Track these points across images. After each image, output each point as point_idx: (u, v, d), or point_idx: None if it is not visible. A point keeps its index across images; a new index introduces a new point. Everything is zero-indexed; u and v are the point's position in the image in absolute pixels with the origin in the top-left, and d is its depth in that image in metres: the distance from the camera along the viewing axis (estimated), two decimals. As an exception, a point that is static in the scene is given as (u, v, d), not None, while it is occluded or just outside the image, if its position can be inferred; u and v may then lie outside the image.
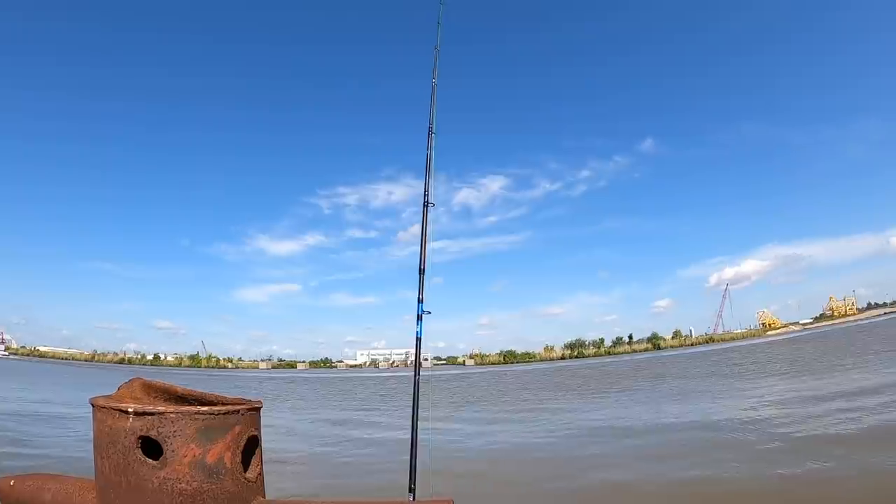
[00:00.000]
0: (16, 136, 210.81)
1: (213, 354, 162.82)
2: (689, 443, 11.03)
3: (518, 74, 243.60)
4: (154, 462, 1.40)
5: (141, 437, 1.39)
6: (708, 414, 14.62)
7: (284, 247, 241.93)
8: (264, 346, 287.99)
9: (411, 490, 3.99)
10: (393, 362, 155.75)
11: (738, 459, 9.20)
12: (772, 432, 11.08)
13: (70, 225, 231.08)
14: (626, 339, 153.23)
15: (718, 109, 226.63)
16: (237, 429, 1.47)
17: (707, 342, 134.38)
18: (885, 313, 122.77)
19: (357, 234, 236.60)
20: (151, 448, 1.40)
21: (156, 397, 1.55)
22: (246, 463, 1.52)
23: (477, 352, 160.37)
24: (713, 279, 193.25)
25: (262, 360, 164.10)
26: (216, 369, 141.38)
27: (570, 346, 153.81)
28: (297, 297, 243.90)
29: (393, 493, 6.63)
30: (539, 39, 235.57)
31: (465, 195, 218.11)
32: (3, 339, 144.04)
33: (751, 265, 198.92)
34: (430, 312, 4.66)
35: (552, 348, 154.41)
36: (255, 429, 1.55)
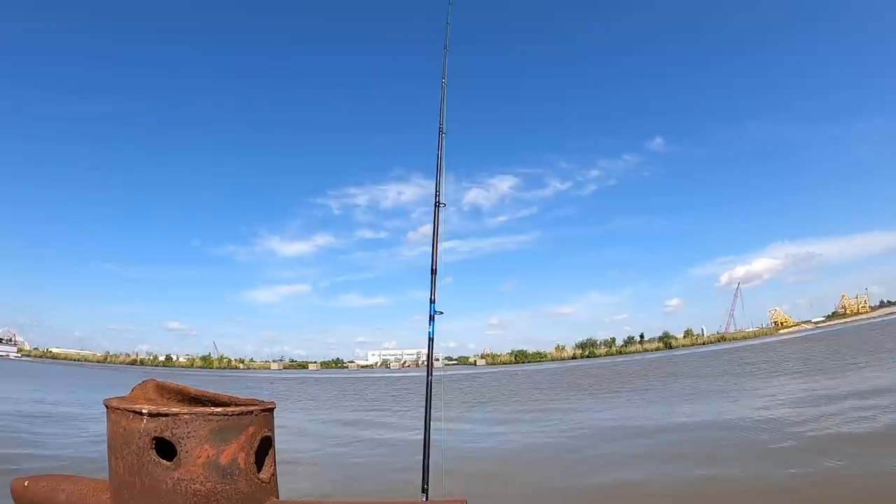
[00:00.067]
0: (24, 137, 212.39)
1: (225, 355, 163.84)
2: (700, 442, 10.96)
3: (527, 74, 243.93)
4: (168, 463, 1.40)
5: (155, 438, 1.40)
6: (720, 413, 14.54)
7: (295, 248, 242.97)
8: (276, 346, 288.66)
9: (424, 490, 3.98)
10: (404, 362, 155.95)
11: (749, 459, 9.14)
12: (784, 432, 10.99)
13: (81, 227, 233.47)
14: (638, 339, 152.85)
15: (727, 108, 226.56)
16: (251, 429, 1.48)
17: (719, 341, 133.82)
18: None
19: (367, 234, 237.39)
20: (165, 449, 1.41)
21: (169, 398, 1.56)
22: (259, 463, 1.53)
23: (488, 352, 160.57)
24: (724, 278, 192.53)
25: (273, 361, 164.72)
26: (228, 370, 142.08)
27: (581, 345, 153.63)
28: (307, 298, 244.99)
29: (406, 494, 6.63)
30: (547, 39, 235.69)
31: (475, 195, 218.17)
32: (14, 340, 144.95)
33: (762, 263, 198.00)
34: (442, 313, 4.64)
35: (563, 348, 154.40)
36: (269, 429, 1.56)
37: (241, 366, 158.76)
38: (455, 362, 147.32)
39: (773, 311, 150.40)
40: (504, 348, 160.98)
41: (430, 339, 4.60)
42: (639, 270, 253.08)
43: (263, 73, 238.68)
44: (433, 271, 4.73)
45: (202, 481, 1.40)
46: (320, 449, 12.88)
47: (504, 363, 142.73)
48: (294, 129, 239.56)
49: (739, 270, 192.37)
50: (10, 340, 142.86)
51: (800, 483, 7.69)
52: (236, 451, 1.44)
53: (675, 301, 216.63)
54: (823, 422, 11.60)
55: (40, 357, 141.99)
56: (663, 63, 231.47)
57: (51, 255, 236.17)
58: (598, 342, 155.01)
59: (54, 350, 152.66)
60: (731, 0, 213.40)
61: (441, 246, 4.90)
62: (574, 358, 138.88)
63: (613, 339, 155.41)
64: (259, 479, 1.51)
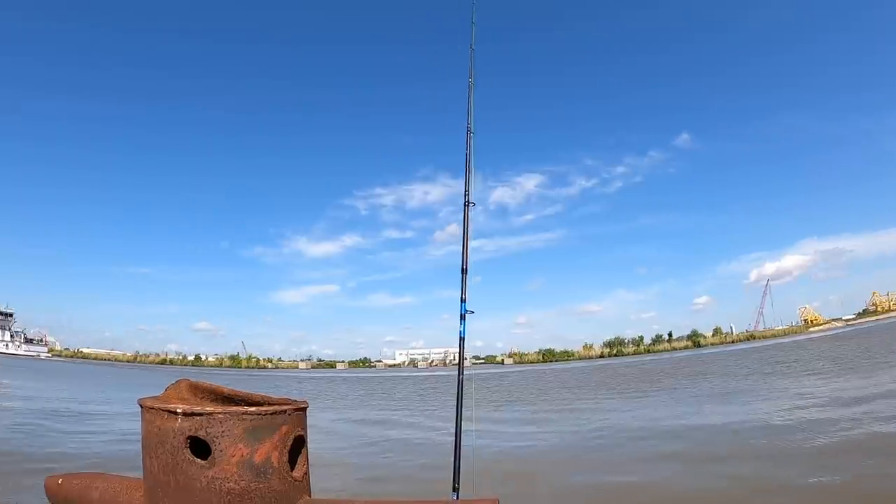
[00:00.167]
0: (63, 141, 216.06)
1: (254, 355, 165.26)
2: (728, 443, 10.83)
3: (551, 72, 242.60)
4: (202, 462, 1.41)
5: (189, 438, 1.41)
6: (749, 413, 14.33)
7: (322, 248, 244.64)
8: (304, 346, 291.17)
9: (455, 489, 3.96)
10: (432, 361, 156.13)
11: (778, 460, 8.99)
12: (814, 432, 10.79)
13: (114, 228, 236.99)
14: (666, 337, 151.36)
15: (754, 103, 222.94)
16: (284, 429, 1.48)
17: (748, 339, 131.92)
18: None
19: (394, 234, 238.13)
20: (199, 448, 1.42)
21: (202, 398, 1.56)
22: (292, 462, 1.53)
23: (515, 350, 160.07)
24: (753, 275, 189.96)
25: (301, 361, 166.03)
26: (256, 369, 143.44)
27: (609, 344, 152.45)
28: (335, 298, 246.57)
29: (434, 493, 6.62)
30: (571, 36, 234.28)
31: (501, 194, 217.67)
32: (45, 341, 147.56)
33: (791, 260, 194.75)
34: (473, 312, 4.61)
35: (591, 346, 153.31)
36: (302, 428, 1.56)
37: (269, 365, 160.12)
38: (482, 361, 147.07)
39: (802, 309, 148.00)
40: (531, 347, 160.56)
41: (461, 339, 4.58)
42: (666, 268, 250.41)
43: (289, 75, 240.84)
44: (463, 270, 4.71)
45: (236, 480, 1.41)
46: (349, 448, 12.95)
47: (531, 362, 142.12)
48: (320, 131, 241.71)
49: (769, 267, 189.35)
50: (41, 341, 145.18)
51: (828, 484, 7.56)
52: (270, 450, 1.44)
53: (703, 299, 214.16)
54: (854, 423, 11.36)
55: (71, 357, 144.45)
56: (690, 59, 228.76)
57: (82, 258, 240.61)
58: (625, 341, 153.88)
59: (85, 350, 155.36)
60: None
61: (470, 245, 4.89)
62: (602, 356, 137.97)
63: (641, 338, 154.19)
64: (292, 477, 1.51)
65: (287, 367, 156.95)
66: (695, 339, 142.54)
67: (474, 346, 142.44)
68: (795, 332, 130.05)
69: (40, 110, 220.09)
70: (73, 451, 11.52)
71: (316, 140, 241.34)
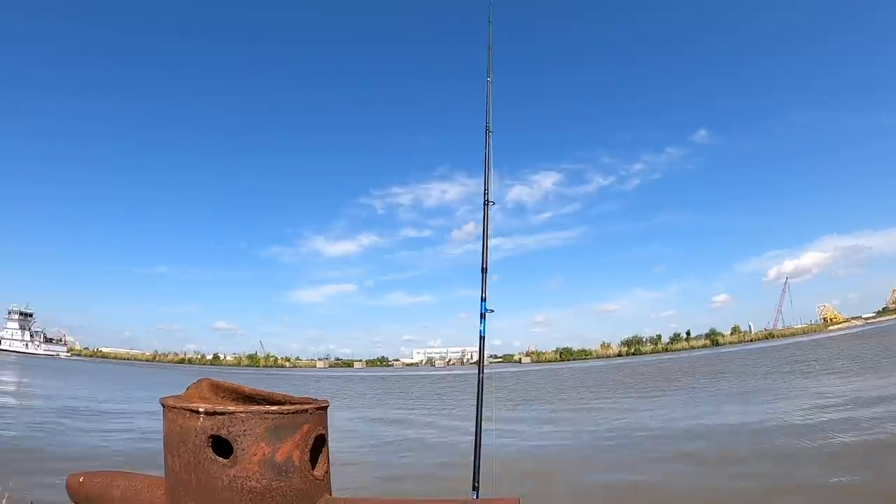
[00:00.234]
0: (74, 140, 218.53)
1: (271, 354, 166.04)
2: (748, 444, 10.76)
3: (568, 70, 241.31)
4: (224, 460, 1.41)
5: (212, 436, 1.41)
6: (768, 414, 14.20)
7: (340, 247, 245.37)
8: (321, 345, 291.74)
9: (475, 488, 3.96)
10: (449, 360, 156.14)
11: (795, 465, 8.90)
12: (833, 434, 10.67)
13: (133, 227, 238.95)
14: (684, 336, 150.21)
15: (773, 99, 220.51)
16: (305, 427, 1.48)
17: (767, 338, 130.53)
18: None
19: (411, 233, 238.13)
20: (221, 447, 1.42)
21: (224, 397, 1.57)
22: (313, 461, 1.53)
23: (533, 349, 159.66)
24: (772, 273, 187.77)
25: (319, 359, 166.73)
26: (274, 368, 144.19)
27: (627, 342, 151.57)
28: (353, 297, 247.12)
29: (453, 493, 6.62)
30: (588, 34, 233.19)
31: (519, 192, 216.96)
32: (65, 341, 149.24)
33: (810, 258, 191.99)
34: (493, 311, 4.61)
35: (609, 345, 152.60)
36: (323, 427, 1.56)
37: (286, 364, 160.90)
38: (500, 360, 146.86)
39: (821, 307, 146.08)
40: (549, 346, 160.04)
41: (482, 337, 4.57)
42: (684, 266, 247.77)
43: (306, 76, 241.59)
44: (483, 269, 4.70)
45: (258, 478, 1.41)
46: (367, 446, 13.00)
47: (549, 361, 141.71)
48: (336, 131, 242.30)
49: (788, 265, 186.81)
50: (60, 340, 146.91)
51: (848, 484, 7.48)
52: (291, 449, 1.45)
53: (722, 297, 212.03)
54: (875, 422, 11.24)
55: (90, 356, 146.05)
56: (706, 57, 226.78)
57: (101, 259, 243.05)
58: (643, 339, 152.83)
59: (104, 350, 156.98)
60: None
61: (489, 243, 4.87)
62: (620, 355, 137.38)
63: (659, 337, 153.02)
64: (313, 476, 1.51)
65: (304, 366, 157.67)
66: (713, 338, 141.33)
67: (492, 345, 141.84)
68: (814, 331, 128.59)
69: (54, 109, 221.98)
70: (92, 449, 11.67)
71: (332, 140, 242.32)
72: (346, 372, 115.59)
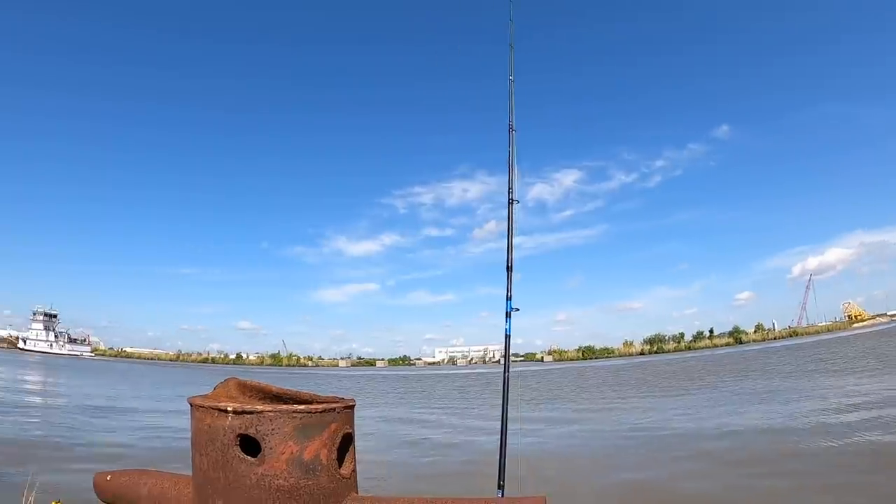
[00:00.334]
0: (101, 141, 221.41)
1: (294, 353, 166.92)
2: (772, 445, 10.59)
3: (588, 68, 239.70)
4: (252, 459, 1.42)
5: (240, 435, 1.42)
6: (792, 414, 13.99)
7: (362, 247, 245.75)
8: (343, 344, 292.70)
9: (500, 486, 3.94)
10: (471, 359, 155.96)
11: (822, 464, 8.78)
12: (861, 435, 10.48)
13: (157, 228, 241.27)
14: (707, 334, 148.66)
15: (797, 94, 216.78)
16: (333, 426, 1.48)
17: (790, 336, 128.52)
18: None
19: (433, 232, 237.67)
20: (249, 445, 1.43)
21: (251, 396, 1.57)
22: (340, 459, 1.53)
23: (555, 348, 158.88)
24: (796, 269, 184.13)
25: (341, 359, 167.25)
26: (297, 367, 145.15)
27: (650, 341, 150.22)
28: (375, 297, 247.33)
29: (477, 491, 6.62)
30: (611, 30, 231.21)
31: (540, 190, 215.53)
32: (89, 341, 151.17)
33: (835, 254, 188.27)
34: (518, 309, 4.57)
35: (631, 343, 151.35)
36: (350, 426, 1.56)
37: (309, 363, 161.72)
38: (522, 359, 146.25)
39: (846, 304, 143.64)
40: (571, 344, 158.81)
41: (507, 336, 4.55)
42: (707, 264, 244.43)
43: (325, 76, 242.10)
44: (509, 268, 4.66)
45: (286, 476, 1.41)
46: (391, 445, 13.03)
47: (571, 359, 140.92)
48: (357, 130, 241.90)
49: (812, 261, 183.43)
50: (84, 341, 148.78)
51: (875, 484, 7.37)
52: (319, 448, 1.45)
53: (745, 294, 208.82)
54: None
55: (114, 356, 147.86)
56: (728, 54, 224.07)
57: (126, 259, 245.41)
58: (666, 337, 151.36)
59: (128, 349, 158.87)
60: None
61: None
62: (642, 354, 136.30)
63: (682, 335, 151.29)
64: (340, 474, 1.52)
65: (327, 366, 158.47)
66: (736, 336, 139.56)
67: (514, 344, 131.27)
68: (839, 329, 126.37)
69: (86, 108, 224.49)
70: (117, 446, 11.82)
71: (353, 140, 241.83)
72: (369, 371, 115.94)
